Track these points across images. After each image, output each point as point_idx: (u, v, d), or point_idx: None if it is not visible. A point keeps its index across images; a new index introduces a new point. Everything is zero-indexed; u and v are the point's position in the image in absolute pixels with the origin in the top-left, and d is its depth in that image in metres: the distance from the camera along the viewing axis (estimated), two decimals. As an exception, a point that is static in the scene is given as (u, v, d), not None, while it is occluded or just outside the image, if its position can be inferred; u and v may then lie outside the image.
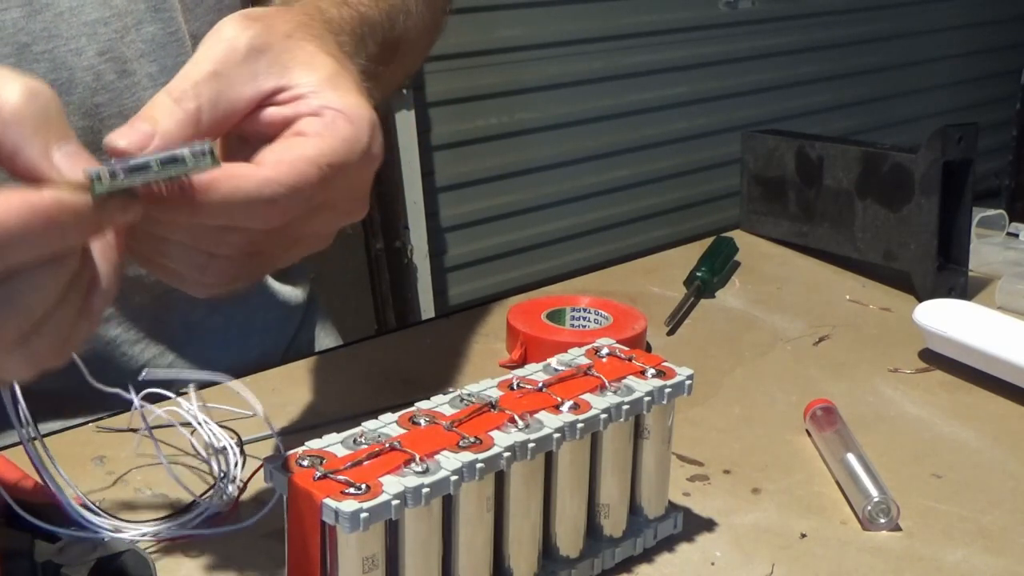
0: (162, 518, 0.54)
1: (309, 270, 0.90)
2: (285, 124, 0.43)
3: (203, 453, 0.59)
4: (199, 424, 0.56)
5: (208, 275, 0.43)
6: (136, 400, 0.55)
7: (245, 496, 0.56)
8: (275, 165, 0.41)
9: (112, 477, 0.60)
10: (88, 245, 0.38)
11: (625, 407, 0.51)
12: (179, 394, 0.59)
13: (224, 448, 0.55)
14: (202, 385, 0.73)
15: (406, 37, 0.64)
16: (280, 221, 0.41)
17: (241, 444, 0.58)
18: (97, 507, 0.52)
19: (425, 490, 0.44)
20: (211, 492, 0.54)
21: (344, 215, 0.45)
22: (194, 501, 0.54)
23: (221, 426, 0.58)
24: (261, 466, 0.53)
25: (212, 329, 0.78)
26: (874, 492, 0.58)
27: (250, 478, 0.55)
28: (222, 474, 0.55)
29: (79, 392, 0.71)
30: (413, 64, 0.73)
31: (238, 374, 0.76)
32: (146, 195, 0.39)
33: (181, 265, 0.43)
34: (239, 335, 0.79)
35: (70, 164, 0.36)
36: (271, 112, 0.43)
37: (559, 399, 0.50)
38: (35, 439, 0.48)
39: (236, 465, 0.55)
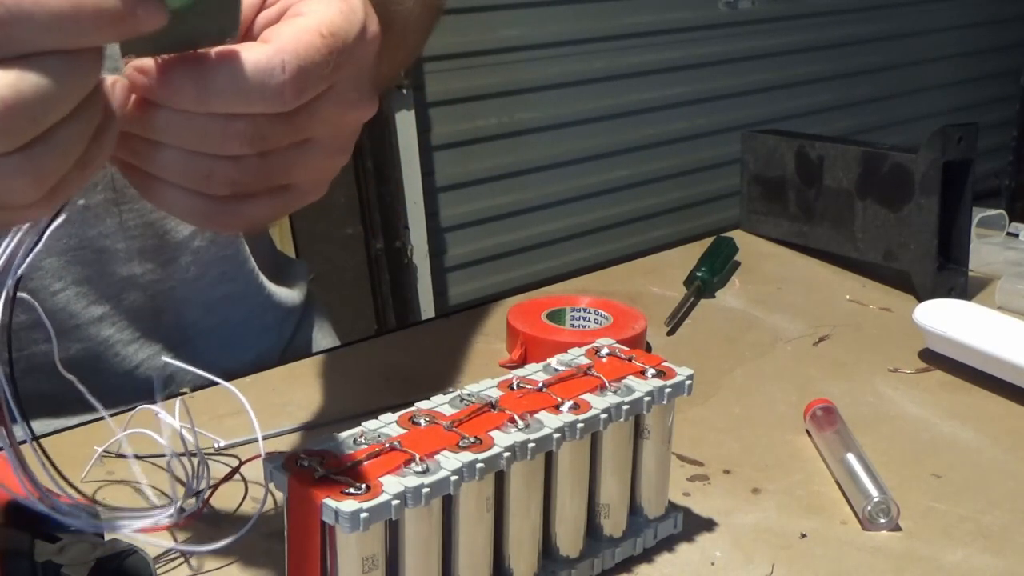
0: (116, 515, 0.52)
1: (309, 271, 0.90)
2: (279, 19, 0.43)
3: (172, 462, 0.59)
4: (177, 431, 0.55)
5: (215, 184, 0.41)
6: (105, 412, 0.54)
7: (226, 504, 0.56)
8: (279, 38, 0.40)
9: (92, 486, 0.60)
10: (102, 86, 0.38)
11: (625, 407, 0.51)
12: (171, 395, 0.58)
13: (188, 456, 0.54)
14: (199, 386, 0.73)
15: (397, 18, 0.63)
16: (292, 98, 0.40)
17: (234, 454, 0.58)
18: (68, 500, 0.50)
19: (425, 490, 0.44)
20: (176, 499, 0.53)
21: (352, 106, 0.44)
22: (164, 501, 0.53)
23: (199, 431, 0.57)
24: (231, 472, 0.54)
25: (207, 330, 0.78)
26: (874, 492, 0.58)
27: (217, 485, 0.54)
28: (188, 483, 0.54)
29: (75, 393, 0.71)
30: (403, 58, 0.72)
31: (235, 375, 0.76)
32: (153, 69, 0.38)
33: (183, 177, 0.41)
34: (235, 336, 0.79)
35: None
36: (264, 15, 0.43)
37: (559, 399, 0.50)
38: (24, 442, 0.47)
39: (200, 475, 0.54)
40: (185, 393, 0.70)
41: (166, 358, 0.73)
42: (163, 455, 0.61)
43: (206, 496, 0.52)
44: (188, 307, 0.76)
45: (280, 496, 0.57)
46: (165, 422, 0.51)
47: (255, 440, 0.64)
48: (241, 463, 0.55)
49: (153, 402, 0.51)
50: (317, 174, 0.45)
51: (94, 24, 0.35)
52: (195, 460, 0.54)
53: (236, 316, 0.79)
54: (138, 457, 0.61)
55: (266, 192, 0.43)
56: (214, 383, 0.75)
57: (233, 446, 0.62)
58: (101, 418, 0.62)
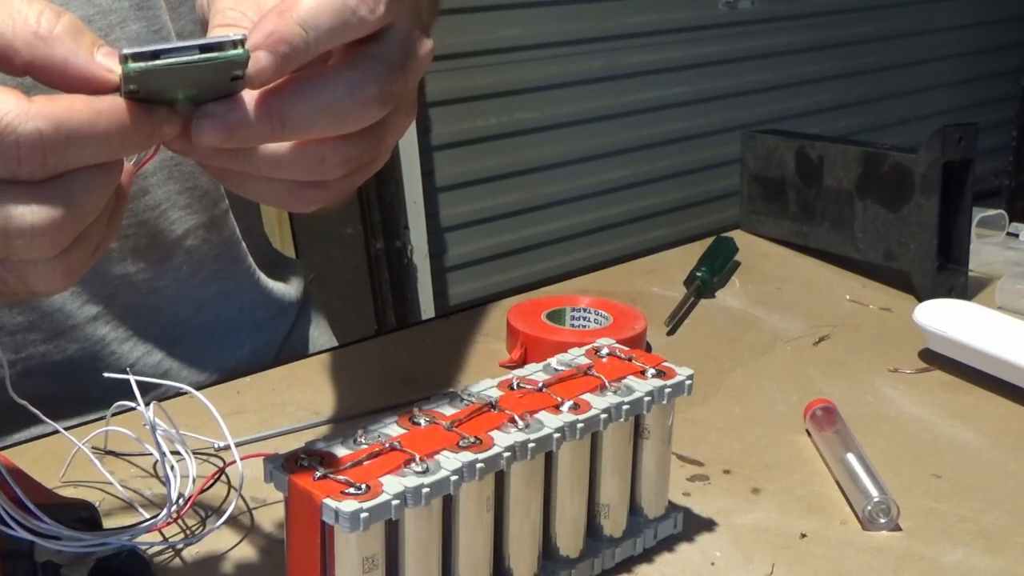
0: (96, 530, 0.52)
1: (308, 272, 0.90)
2: None
3: (161, 465, 0.58)
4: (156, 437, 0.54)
5: (328, 168, 0.42)
6: (58, 427, 0.54)
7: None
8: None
9: (80, 488, 0.60)
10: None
11: (625, 407, 0.51)
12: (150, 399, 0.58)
13: (169, 464, 0.54)
14: (198, 386, 0.73)
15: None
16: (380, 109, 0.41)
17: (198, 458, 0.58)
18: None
19: (425, 490, 0.44)
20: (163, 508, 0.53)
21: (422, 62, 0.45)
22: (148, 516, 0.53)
23: (184, 435, 0.57)
24: (214, 475, 0.54)
25: (200, 326, 0.78)
26: (874, 492, 0.58)
27: (201, 490, 0.54)
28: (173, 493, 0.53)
29: (74, 394, 0.71)
30: None
31: (230, 372, 0.76)
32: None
33: (295, 172, 0.42)
34: (227, 333, 0.79)
35: (113, 61, 0.38)
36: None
37: (559, 399, 0.50)
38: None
39: (179, 479, 0.54)
40: (185, 393, 0.70)
41: (132, 374, 0.73)
42: (146, 453, 0.61)
43: (189, 499, 0.52)
44: (180, 305, 0.76)
45: (253, 497, 0.58)
46: (150, 425, 0.51)
47: (252, 440, 0.65)
48: (223, 467, 0.56)
49: (140, 402, 0.51)
50: (398, 136, 0.46)
51: (134, 142, 0.38)
52: (176, 461, 0.54)
53: (228, 313, 0.79)
54: (117, 455, 0.61)
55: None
56: (214, 383, 0.75)
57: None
58: (100, 418, 0.62)
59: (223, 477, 0.58)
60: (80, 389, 0.71)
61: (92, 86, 0.37)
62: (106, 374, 0.54)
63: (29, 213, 0.36)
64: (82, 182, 0.37)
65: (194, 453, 0.60)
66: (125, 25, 0.66)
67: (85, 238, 0.39)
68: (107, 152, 0.37)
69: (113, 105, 0.37)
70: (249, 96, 0.39)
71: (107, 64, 0.38)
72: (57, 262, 0.38)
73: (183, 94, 0.39)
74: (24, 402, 0.50)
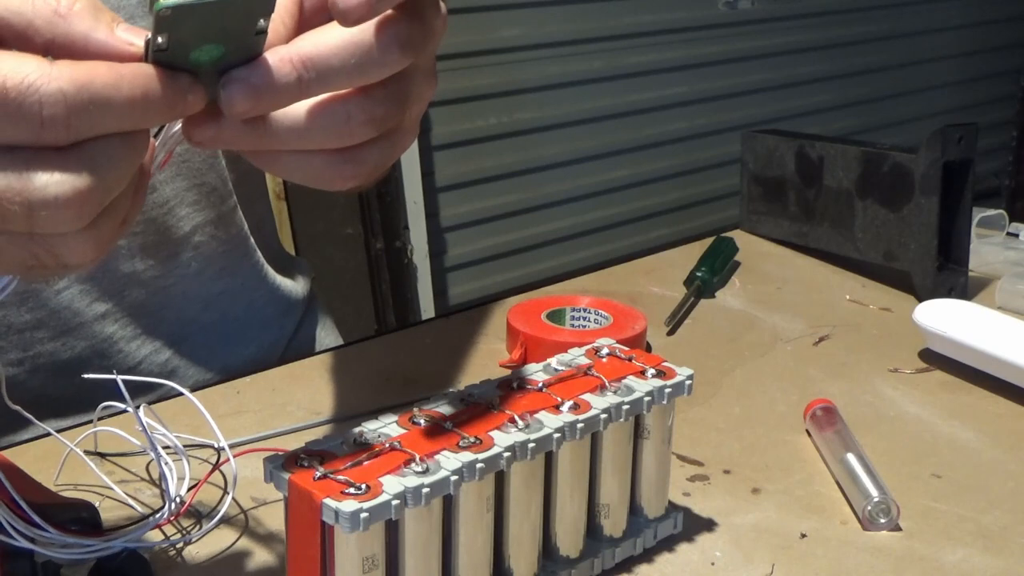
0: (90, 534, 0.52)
1: (310, 269, 0.90)
2: None
3: (158, 466, 0.58)
4: (149, 436, 0.54)
5: (355, 127, 0.42)
6: (51, 431, 0.54)
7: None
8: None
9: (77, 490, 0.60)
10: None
11: (625, 407, 0.51)
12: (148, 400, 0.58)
13: (164, 464, 0.54)
14: (198, 385, 0.73)
15: None
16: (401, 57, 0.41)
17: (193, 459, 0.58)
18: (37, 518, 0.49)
19: (425, 490, 0.44)
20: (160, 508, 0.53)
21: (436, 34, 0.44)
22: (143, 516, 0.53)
23: (177, 436, 0.57)
24: (208, 474, 0.54)
25: (208, 324, 0.78)
26: (874, 492, 0.58)
27: (195, 489, 0.54)
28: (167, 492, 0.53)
29: (81, 393, 0.71)
30: None
31: (235, 370, 0.76)
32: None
33: (325, 138, 0.42)
34: (234, 331, 0.79)
35: (133, 35, 0.38)
36: None
37: (559, 399, 0.50)
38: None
39: (175, 479, 0.54)
40: (183, 394, 0.70)
41: (117, 378, 0.73)
42: (139, 452, 0.61)
43: (187, 498, 0.52)
44: (188, 302, 0.76)
45: (252, 497, 0.58)
46: (142, 426, 0.51)
47: (252, 440, 0.65)
48: (217, 464, 0.56)
49: (129, 403, 0.51)
50: (420, 108, 0.45)
51: (157, 109, 0.37)
52: (172, 461, 0.54)
53: (235, 311, 0.79)
54: (111, 458, 0.61)
55: (385, 134, 0.43)
56: (217, 382, 0.75)
57: (232, 446, 0.62)
58: (99, 419, 0.62)
59: (222, 478, 0.58)
60: (87, 388, 0.71)
61: (114, 61, 0.37)
62: (86, 375, 0.53)
63: (53, 183, 0.36)
64: (106, 152, 0.37)
65: (191, 451, 0.60)
66: (134, 22, 0.66)
67: (113, 210, 0.38)
68: (131, 118, 0.37)
69: (136, 70, 0.37)
70: (271, 55, 0.39)
71: (127, 38, 0.38)
72: (87, 234, 0.38)
73: (207, 56, 0.38)
74: (18, 408, 0.50)
